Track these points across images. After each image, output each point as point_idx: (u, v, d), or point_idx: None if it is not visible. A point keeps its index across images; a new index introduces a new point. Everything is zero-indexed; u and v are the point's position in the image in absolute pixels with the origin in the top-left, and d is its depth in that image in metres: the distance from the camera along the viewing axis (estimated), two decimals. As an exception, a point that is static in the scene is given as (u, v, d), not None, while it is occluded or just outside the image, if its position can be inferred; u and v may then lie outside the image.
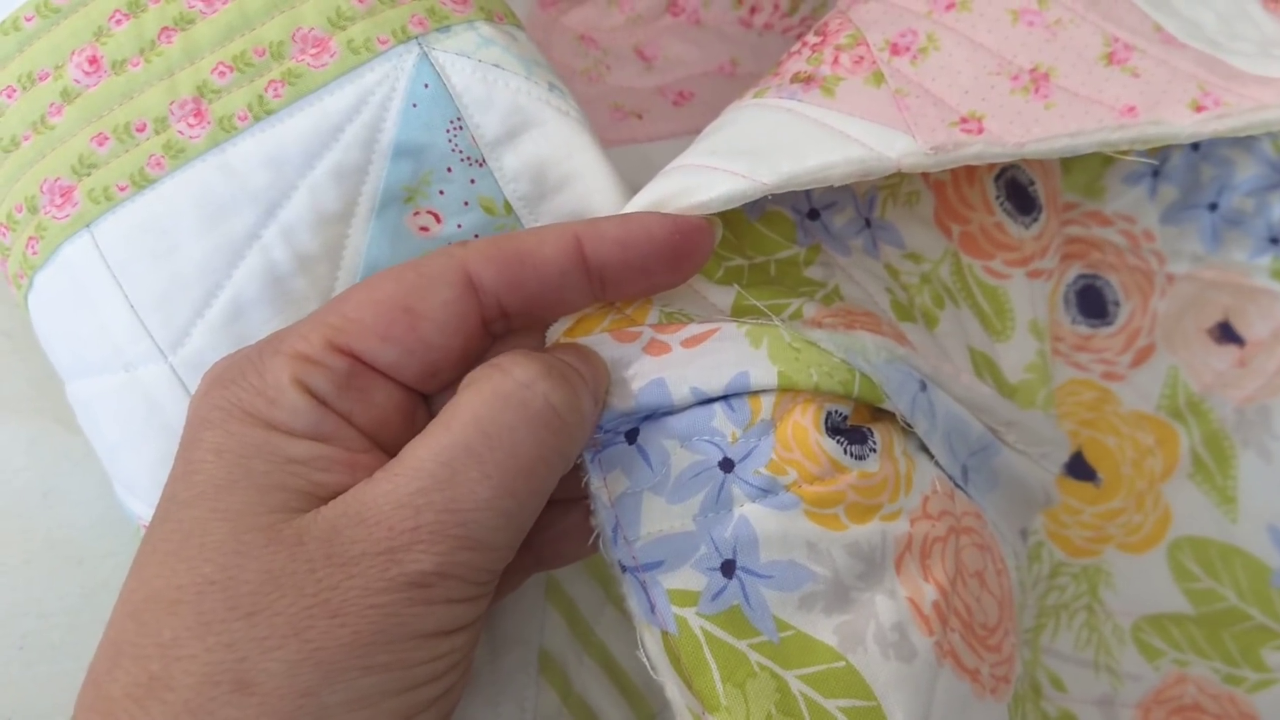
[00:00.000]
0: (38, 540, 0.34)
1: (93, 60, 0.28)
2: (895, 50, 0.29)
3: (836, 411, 0.26)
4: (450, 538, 0.22)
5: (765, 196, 0.26)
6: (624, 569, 0.25)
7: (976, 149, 0.27)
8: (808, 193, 0.32)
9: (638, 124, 0.42)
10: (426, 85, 0.28)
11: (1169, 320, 0.39)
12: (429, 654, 0.22)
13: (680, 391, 0.25)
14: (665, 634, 0.24)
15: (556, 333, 0.27)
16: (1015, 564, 0.32)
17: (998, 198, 0.34)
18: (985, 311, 0.34)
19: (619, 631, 0.33)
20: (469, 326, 0.25)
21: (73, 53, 0.28)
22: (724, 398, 0.26)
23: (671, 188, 0.26)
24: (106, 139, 0.28)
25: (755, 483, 0.25)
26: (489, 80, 0.28)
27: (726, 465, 0.25)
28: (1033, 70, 0.29)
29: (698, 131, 0.30)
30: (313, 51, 0.28)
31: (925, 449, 0.29)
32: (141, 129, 0.28)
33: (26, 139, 0.28)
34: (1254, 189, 0.37)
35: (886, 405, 0.27)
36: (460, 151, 0.28)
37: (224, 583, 0.21)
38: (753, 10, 0.44)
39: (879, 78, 0.29)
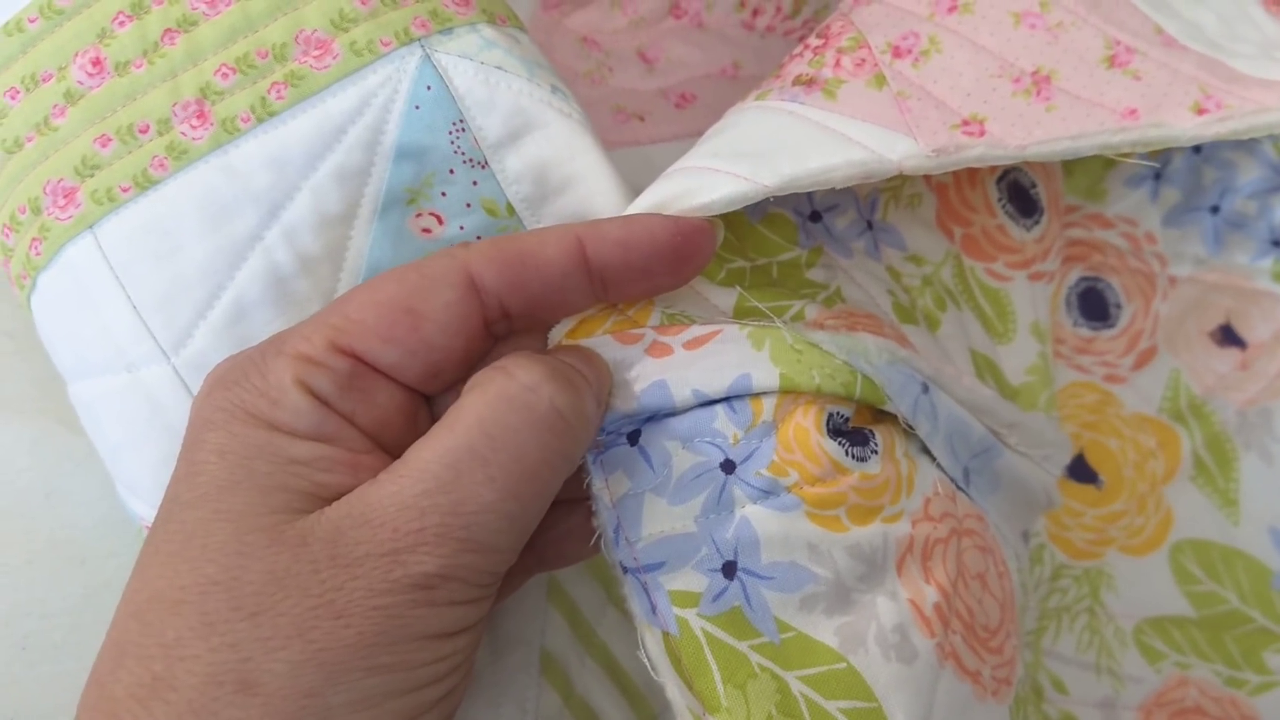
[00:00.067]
0: (40, 540, 0.34)
1: (96, 62, 0.28)
2: (897, 53, 0.29)
3: (838, 413, 0.26)
4: (454, 540, 0.22)
5: (767, 199, 0.26)
6: (625, 570, 0.25)
7: (978, 151, 0.27)
8: (809, 195, 0.32)
9: (640, 126, 0.42)
10: (429, 87, 0.28)
11: (1171, 323, 0.39)
12: (432, 655, 0.22)
13: (682, 393, 0.25)
14: (666, 635, 0.24)
15: (559, 334, 0.27)
16: (1017, 566, 0.32)
17: (999, 200, 0.34)
18: (987, 314, 0.34)
19: (621, 632, 0.33)
20: (471, 328, 0.25)
21: (76, 54, 0.28)
22: (726, 399, 0.26)
23: (673, 189, 0.27)
24: (109, 140, 0.28)
25: (757, 484, 0.25)
26: (491, 82, 0.28)
27: (728, 467, 0.25)
28: (1034, 73, 0.29)
29: (700, 134, 0.30)
30: (315, 53, 0.28)
31: (927, 451, 0.29)
32: (144, 130, 0.28)
33: (30, 140, 0.28)
34: (1256, 191, 0.37)
35: (888, 407, 0.27)
36: (462, 153, 0.28)
37: (227, 583, 0.21)
38: (755, 13, 0.44)
39: (881, 80, 0.29)
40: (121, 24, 0.28)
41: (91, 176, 0.28)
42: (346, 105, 0.28)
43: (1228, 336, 0.38)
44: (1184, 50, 0.29)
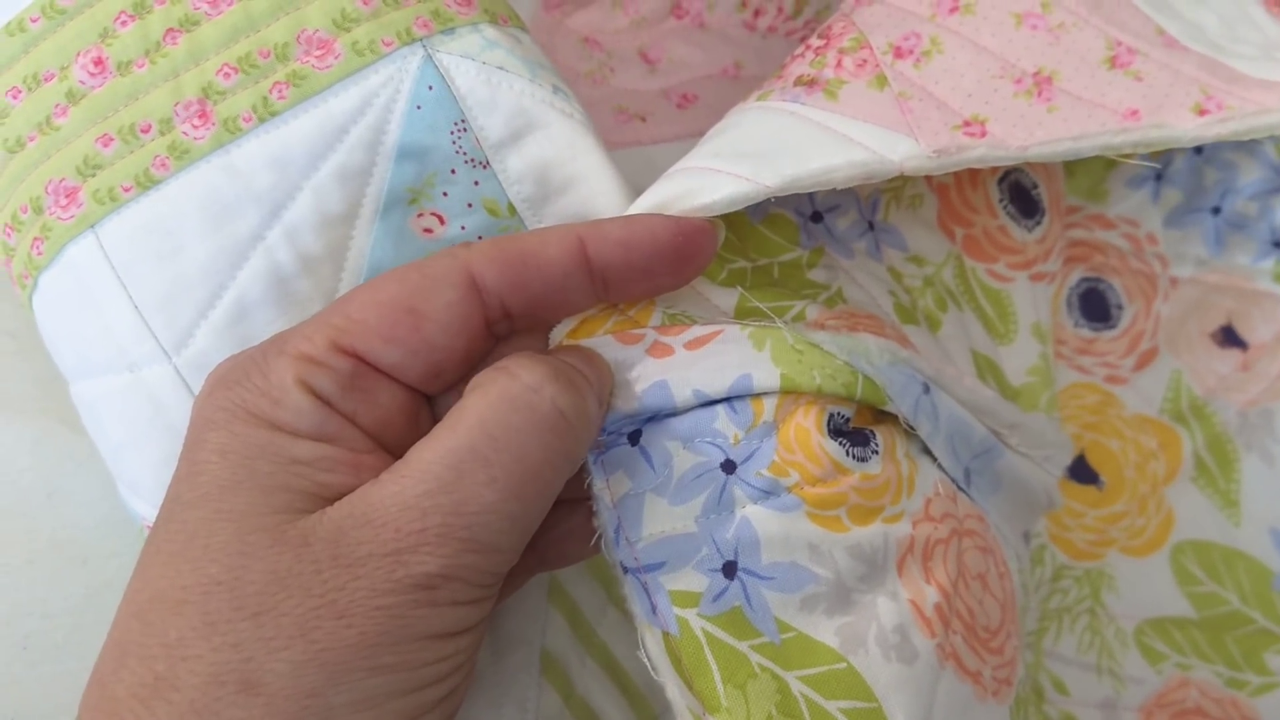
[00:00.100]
0: (42, 540, 0.34)
1: (98, 61, 0.28)
2: (898, 53, 0.29)
3: (839, 413, 0.26)
4: (456, 540, 0.22)
5: (768, 199, 0.26)
6: (626, 570, 0.25)
7: (979, 152, 0.27)
8: (811, 195, 0.32)
9: (641, 126, 0.42)
10: (431, 87, 0.28)
11: (1172, 324, 0.39)
12: (434, 655, 0.22)
13: (683, 393, 0.25)
14: (666, 635, 0.24)
15: (560, 334, 0.27)
16: (1018, 567, 0.32)
17: (1001, 201, 0.34)
18: (988, 314, 0.34)
19: (621, 633, 0.33)
20: (472, 327, 0.25)
21: (78, 54, 0.28)
22: (727, 400, 0.26)
23: (675, 190, 0.27)
24: (111, 140, 0.28)
25: (757, 484, 0.25)
26: (493, 82, 0.28)
27: (728, 467, 0.25)
28: (1036, 74, 0.29)
29: (701, 134, 0.30)
30: (317, 53, 0.28)
31: (928, 451, 0.29)
32: (146, 130, 0.28)
33: (32, 140, 0.28)
34: (1257, 193, 0.37)
35: (889, 407, 0.27)
36: (464, 153, 0.28)
37: (230, 583, 0.21)
38: (757, 13, 0.44)
39: (882, 81, 0.29)
40: (124, 24, 0.28)
41: (93, 176, 0.28)
42: (348, 105, 0.28)
43: (1229, 338, 0.38)
44: (1185, 51, 0.29)
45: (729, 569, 0.25)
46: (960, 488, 0.29)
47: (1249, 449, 0.38)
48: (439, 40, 0.28)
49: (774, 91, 0.30)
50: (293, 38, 0.28)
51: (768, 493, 0.25)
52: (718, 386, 0.25)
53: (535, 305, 0.26)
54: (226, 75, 0.28)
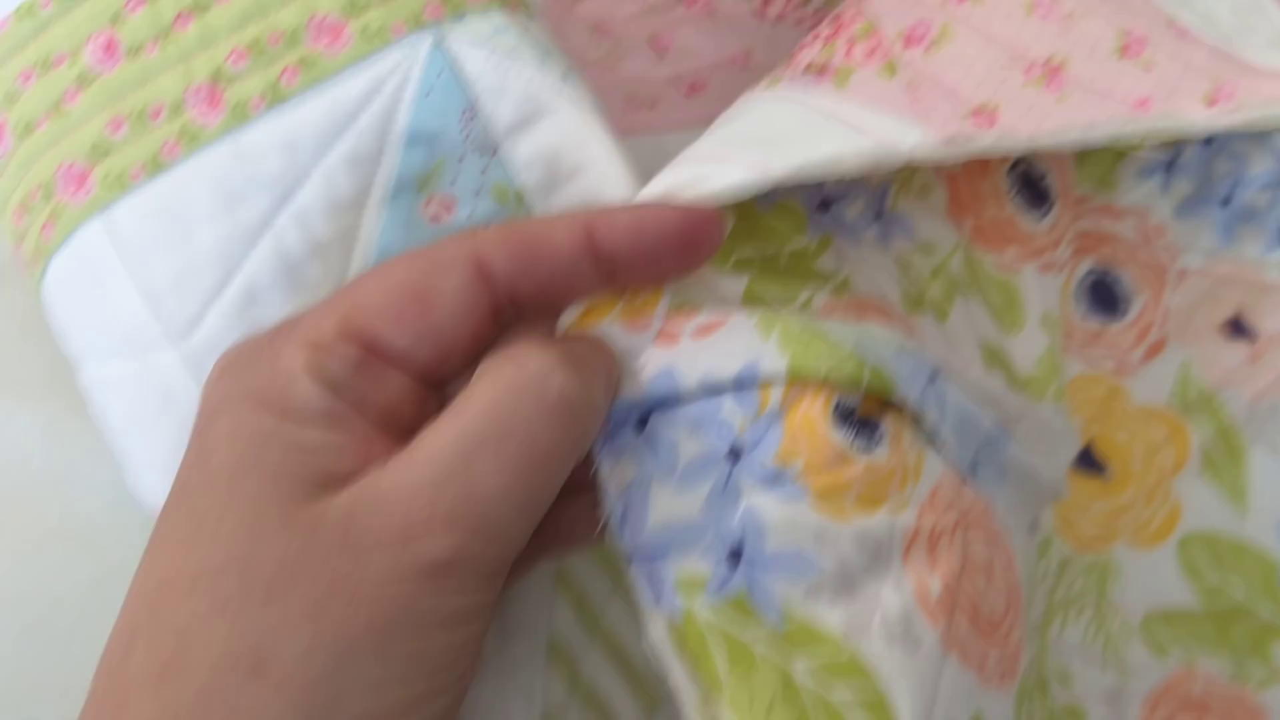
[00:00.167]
0: (50, 526, 0.34)
1: (109, 45, 0.28)
2: (908, 41, 0.29)
3: (846, 402, 0.26)
4: (464, 527, 0.22)
5: (776, 187, 0.26)
6: (631, 557, 0.25)
7: (989, 141, 0.27)
8: (819, 184, 0.32)
9: (650, 114, 0.42)
10: (440, 73, 0.28)
11: (1181, 315, 0.39)
12: (442, 641, 0.22)
13: (689, 381, 0.25)
14: (670, 622, 0.24)
15: (566, 321, 0.27)
16: (1023, 557, 0.32)
17: (1010, 191, 0.34)
18: (996, 304, 0.34)
19: (627, 620, 0.33)
20: (480, 313, 0.25)
21: (89, 37, 0.28)
22: (733, 388, 0.26)
23: (683, 177, 0.26)
24: (122, 124, 0.28)
25: (763, 472, 0.25)
26: (502, 69, 0.28)
27: (734, 455, 0.25)
28: (1046, 63, 0.29)
29: (710, 122, 0.30)
30: (327, 38, 0.28)
31: (934, 441, 0.29)
32: (157, 114, 0.28)
33: (42, 123, 0.28)
34: (1268, 184, 0.37)
35: (896, 397, 0.27)
36: (473, 140, 0.28)
37: (238, 568, 0.21)
38: (766, 1, 0.44)
39: (892, 69, 0.29)
40: (134, 8, 0.28)
41: (103, 160, 0.28)
42: (358, 90, 0.28)
43: (1238, 329, 0.38)
44: (1196, 41, 0.29)
45: (734, 556, 0.25)
46: (966, 477, 0.29)
47: (1257, 441, 0.38)
48: (449, 26, 0.28)
49: (783, 79, 0.29)
50: (303, 22, 0.28)
51: (773, 481, 0.25)
52: (724, 374, 0.25)
53: (542, 291, 0.26)
54: (237, 60, 0.28)
